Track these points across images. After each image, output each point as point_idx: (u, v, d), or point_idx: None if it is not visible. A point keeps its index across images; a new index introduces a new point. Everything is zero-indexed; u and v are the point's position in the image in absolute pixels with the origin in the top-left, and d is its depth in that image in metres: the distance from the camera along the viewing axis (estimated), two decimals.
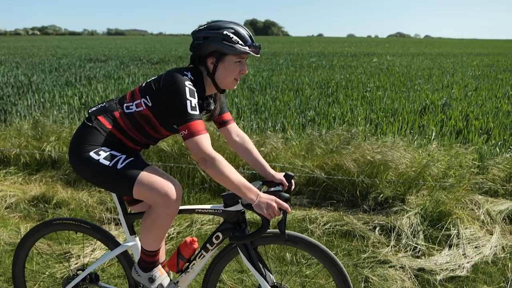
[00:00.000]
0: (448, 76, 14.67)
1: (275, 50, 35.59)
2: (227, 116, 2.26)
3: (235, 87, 2.12)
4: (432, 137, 5.85)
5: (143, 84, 2.07)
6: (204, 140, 1.84)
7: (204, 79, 2.03)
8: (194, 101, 1.87)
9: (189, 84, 1.89)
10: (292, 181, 2.23)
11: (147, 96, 2.00)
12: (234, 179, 1.85)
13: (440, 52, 34.28)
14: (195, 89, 1.91)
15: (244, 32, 1.98)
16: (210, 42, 1.95)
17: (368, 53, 31.76)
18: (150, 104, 1.99)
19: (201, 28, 2.01)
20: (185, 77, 1.92)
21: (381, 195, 4.16)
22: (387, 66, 19.06)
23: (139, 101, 2.02)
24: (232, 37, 1.94)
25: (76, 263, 3.22)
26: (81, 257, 3.31)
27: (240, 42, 1.95)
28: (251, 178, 4.54)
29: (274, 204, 1.84)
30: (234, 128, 2.29)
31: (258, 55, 2.02)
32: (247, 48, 1.97)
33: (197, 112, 1.86)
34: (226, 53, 1.95)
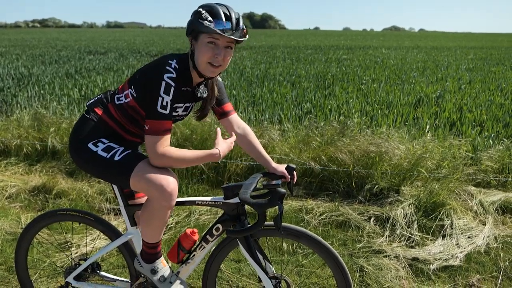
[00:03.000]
0: (442, 69, 14.73)
1: (272, 43, 35.58)
2: (228, 107, 2.21)
3: (215, 76, 1.99)
4: (426, 129, 5.91)
5: (133, 74, 2.04)
6: (163, 141, 1.85)
7: (190, 66, 1.97)
8: (167, 99, 1.82)
9: (168, 77, 1.83)
10: (294, 173, 2.20)
11: (133, 86, 1.97)
12: (189, 159, 1.92)
13: (435, 46, 34.34)
14: (173, 84, 1.84)
15: (221, 10, 1.83)
16: (190, 19, 1.88)
17: (364, 46, 31.78)
18: (135, 95, 1.96)
19: None
20: (167, 67, 1.86)
21: (376, 186, 4.21)
22: (382, 59, 19.10)
23: (127, 91, 1.99)
24: (203, 13, 1.82)
25: (76, 253, 3.23)
26: (80, 246, 3.33)
27: (209, 18, 1.80)
28: (249, 170, 4.58)
29: (230, 145, 2.03)
30: (235, 119, 2.24)
31: (238, 39, 1.86)
32: (211, 24, 1.80)
33: (166, 112, 1.83)
34: (198, 30, 1.84)
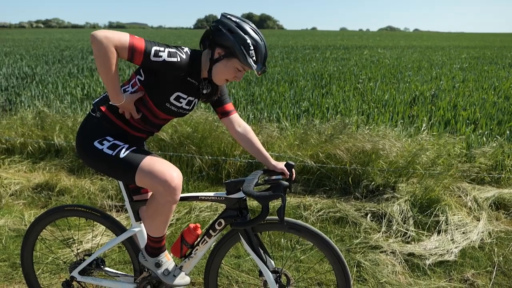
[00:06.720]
0: (437, 68, 14.85)
1: (271, 43, 35.71)
2: (229, 106, 2.25)
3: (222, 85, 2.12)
4: (422, 128, 5.98)
5: None
6: (123, 39, 1.80)
7: (202, 60, 2.02)
8: (164, 55, 1.86)
9: (179, 55, 1.91)
10: (293, 170, 2.24)
11: (140, 71, 2.01)
12: (105, 76, 1.84)
13: (429, 45, 34.56)
14: (179, 60, 1.90)
15: (263, 51, 1.97)
16: (230, 37, 1.91)
17: (360, 46, 31.88)
18: (142, 78, 1.99)
19: (232, 19, 1.97)
20: (180, 49, 1.94)
21: (373, 183, 4.26)
22: (378, 58, 19.20)
23: (134, 80, 2.02)
24: (251, 49, 1.92)
25: (78, 249, 3.26)
26: (83, 242, 3.36)
27: (254, 58, 1.94)
28: (249, 168, 4.64)
29: (128, 109, 2.01)
30: (236, 119, 2.27)
31: (259, 76, 2.04)
32: (255, 66, 1.95)
33: (152, 53, 1.84)
34: (236, 56, 1.93)
